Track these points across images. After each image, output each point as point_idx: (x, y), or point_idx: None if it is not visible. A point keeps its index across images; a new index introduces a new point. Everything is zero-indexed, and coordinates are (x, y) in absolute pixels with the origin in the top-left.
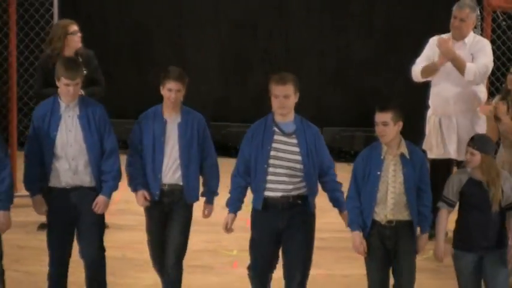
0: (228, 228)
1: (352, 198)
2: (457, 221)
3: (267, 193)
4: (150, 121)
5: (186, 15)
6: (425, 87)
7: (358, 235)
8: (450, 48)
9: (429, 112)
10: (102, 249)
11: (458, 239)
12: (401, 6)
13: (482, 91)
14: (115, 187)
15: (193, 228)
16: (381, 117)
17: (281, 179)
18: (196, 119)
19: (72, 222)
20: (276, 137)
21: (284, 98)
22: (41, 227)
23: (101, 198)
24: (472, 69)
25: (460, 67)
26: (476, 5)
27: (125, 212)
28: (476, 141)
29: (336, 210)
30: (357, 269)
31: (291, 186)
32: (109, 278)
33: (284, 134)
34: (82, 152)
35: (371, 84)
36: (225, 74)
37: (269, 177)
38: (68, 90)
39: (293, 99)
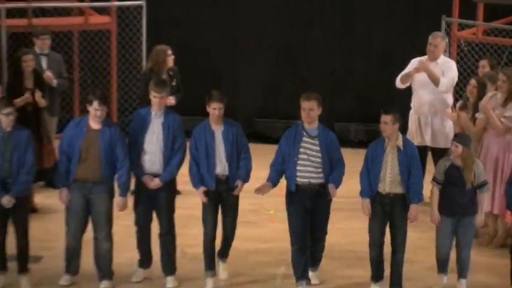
0: (260, 189)
1: (363, 175)
2: (441, 195)
3: (298, 179)
4: (201, 133)
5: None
6: (409, 95)
7: (366, 201)
8: (429, 67)
9: (411, 112)
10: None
11: (441, 207)
12: (394, 36)
13: (449, 97)
14: (174, 173)
15: (242, 195)
16: (383, 118)
17: (307, 169)
18: (235, 127)
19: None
20: (304, 138)
21: (310, 110)
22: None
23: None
24: (444, 83)
25: (435, 81)
26: (445, 35)
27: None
28: (459, 138)
29: (344, 186)
30: (360, 224)
31: (314, 175)
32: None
33: (310, 137)
34: (159, 149)
35: (372, 93)
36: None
37: (298, 168)
38: (155, 101)
39: (316, 112)
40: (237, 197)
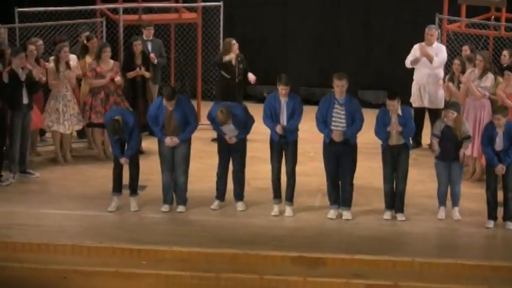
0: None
1: (378, 132)
2: (440, 146)
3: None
4: (272, 100)
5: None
6: (412, 70)
7: (383, 147)
8: (427, 51)
9: (414, 83)
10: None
11: (440, 155)
12: (401, 27)
13: (441, 72)
14: (189, 135)
15: None
16: (390, 103)
17: (338, 126)
18: (295, 98)
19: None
20: (335, 105)
21: (341, 87)
22: None
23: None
24: (437, 61)
25: (429, 58)
26: (438, 27)
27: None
28: (455, 106)
29: (365, 136)
30: (376, 164)
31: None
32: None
33: (339, 104)
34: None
35: (385, 69)
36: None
37: (332, 125)
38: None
39: (345, 87)
40: (295, 145)
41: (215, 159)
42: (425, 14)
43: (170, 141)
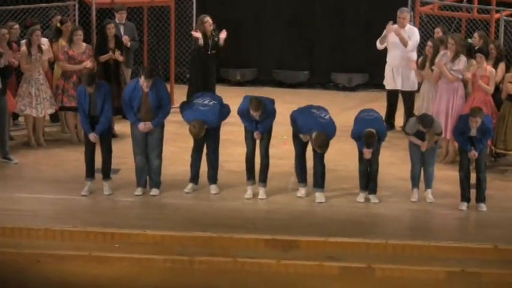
0: None
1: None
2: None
3: None
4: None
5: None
6: (385, 53)
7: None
8: (400, 33)
9: (387, 65)
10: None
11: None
12: (374, 10)
13: (414, 55)
14: (162, 120)
15: None
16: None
17: None
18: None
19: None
20: None
21: None
22: None
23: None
24: (410, 44)
25: (404, 42)
26: (410, 10)
27: None
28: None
29: (339, 118)
30: (349, 146)
31: None
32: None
33: None
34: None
35: (358, 51)
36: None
37: None
38: None
39: None
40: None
41: (188, 142)
42: None
43: (143, 126)
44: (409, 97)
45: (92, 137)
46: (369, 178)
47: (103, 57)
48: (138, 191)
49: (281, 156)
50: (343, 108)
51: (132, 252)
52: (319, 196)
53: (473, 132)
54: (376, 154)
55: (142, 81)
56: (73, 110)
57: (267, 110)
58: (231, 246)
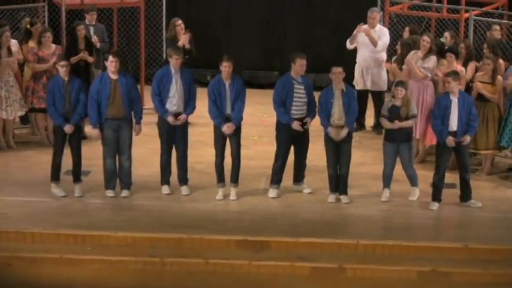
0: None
1: (321, 113)
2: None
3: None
4: (216, 84)
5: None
6: (355, 53)
7: (329, 128)
8: (370, 33)
9: (356, 65)
10: None
11: (386, 135)
12: (344, 10)
13: (383, 54)
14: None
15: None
16: (335, 69)
17: (298, 106)
18: (238, 80)
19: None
20: (295, 85)
21: (304, 66)
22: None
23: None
24: (380, 44)
25: (373, 42)
26: (380, 10)
27: None
28: (403, 84)
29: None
30: (320, 146)
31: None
32: None
33: (298, 83)
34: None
35: (329, 51)
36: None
37: (293, 105)
38: (175, 61)
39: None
40: (238, 129)
41: (158, 144)
42: None
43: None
44: (379, 97)
45: (68, 128)
46: (339, 179)
47: (73, 59)
48: (110, 193)
49: (252, 157)
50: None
51: (104, 254)
52: (306, 189)
53: (454, 122)
54: (346, 155)
55: (110, 60)
56: (43, 111)
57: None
58: (203, 247)
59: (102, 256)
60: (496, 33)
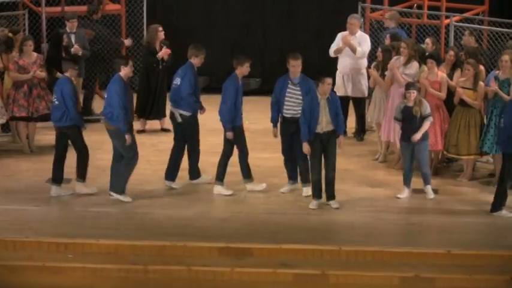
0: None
1: (304, 123)
2: (402, 128)
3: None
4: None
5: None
6: (336, 60)
7: (306, 144)
8: (349, 41)
9: (337, 72)
10: None
11: (402, 135)
12: (325, 16)
13: (364, 61)
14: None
15: None
16: (328, 80)
17: (292, 106)
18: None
19: None
20: (289, 86)
21: (298, 66)
22: None
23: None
24: (360, 51)
25: (353, 49)
26: (360, 16)
27: None
28: (414, 86)
29: None
30: None
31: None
32: None
33: (293, 84)
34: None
35: (310, 58)
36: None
37: (285, 105)
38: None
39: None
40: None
41: (144, 151)
42: (349, 2)
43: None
44: (359, 103)
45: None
46: (326, 185)
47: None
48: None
49: (234, 164)
50: None
51: (86, 262)
52: (305, 190)
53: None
54: (333, 158)
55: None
56: (24, 119)
57: None
58: (185, 254)
59: (84, 264)
60: (471, 39)
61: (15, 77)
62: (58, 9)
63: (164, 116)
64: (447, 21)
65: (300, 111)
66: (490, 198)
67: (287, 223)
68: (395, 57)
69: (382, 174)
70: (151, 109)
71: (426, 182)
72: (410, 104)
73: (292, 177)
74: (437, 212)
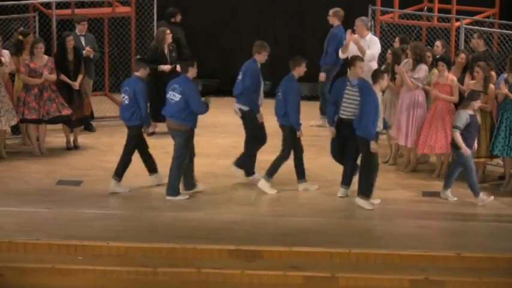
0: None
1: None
2: (469, 137)
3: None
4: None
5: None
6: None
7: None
8: (359, 42)
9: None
10: None
11: (469, 144)
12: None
13: (374, 64)
14: None
15: None
16: None
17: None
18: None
19: None
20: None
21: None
22: None
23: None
24: (369, 54)
25: (362, 52)
26: (367, 19)
27: None
28: (479, 96)
29: None
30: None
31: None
32: None
33: (352, 85)
34: None
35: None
36: None
37: (342, 106)
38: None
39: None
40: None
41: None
42: (359, 5)
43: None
44: None
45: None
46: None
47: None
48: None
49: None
50: (308, 118)
51: (96, 264)
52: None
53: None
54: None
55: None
56: (34, 122)
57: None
58: (195, 257)
59: (94, 266)
60: (480, 42)
61: (26, 81)
62: (68, 11)
63: None
64: (457, 23)
65: (356, 113)
66: (501, 201)
67: (297, 226)
68: (404, 61)
69: (392, 177)
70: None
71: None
72: (474, 113)
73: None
74: (447, 215)
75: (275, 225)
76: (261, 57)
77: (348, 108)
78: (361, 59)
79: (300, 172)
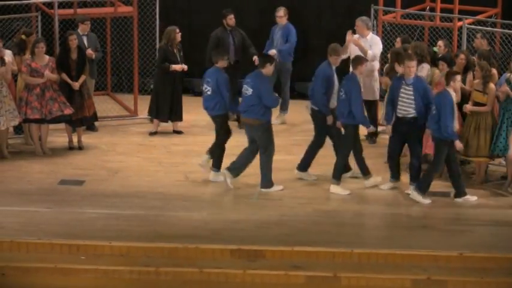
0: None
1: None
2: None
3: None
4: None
5: None
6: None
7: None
8: (360, 43)
9: None
10: None
11: None
12: (337, 18)
13: (376, 64)
14: None
15: None
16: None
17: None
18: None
19: None
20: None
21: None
22: None
23: None
24: (370, 54)
25: (363, 52)
26: (367, 19)
27: None
28: None
29: None
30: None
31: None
32: None
33: (407, 84)
34: None
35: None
36: None
37: (398, 106)
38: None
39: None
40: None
41: (154, 153)
42: (362, 5)
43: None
44: (371, 106)
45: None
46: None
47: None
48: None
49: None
50: (309, 119)
51: (98, 264)
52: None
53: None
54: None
55: None
56: (37, 121)
57: None
58: (197, 256)
59: (96, 266)
60: (483, 42)
61: (28, 81)
62: (71, 11)
63: (181, 119)
64: (460, 23)
65: (412, 112)
66: (502, 200)
67: (299, 225)
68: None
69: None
70: (170, 111)
71: None
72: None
73: (394, 176)
74: (449, 215)
75: (277, 225)
76: (333, 60)
77: (403, 107)
78: (365, 60)
79: (363, 168)
